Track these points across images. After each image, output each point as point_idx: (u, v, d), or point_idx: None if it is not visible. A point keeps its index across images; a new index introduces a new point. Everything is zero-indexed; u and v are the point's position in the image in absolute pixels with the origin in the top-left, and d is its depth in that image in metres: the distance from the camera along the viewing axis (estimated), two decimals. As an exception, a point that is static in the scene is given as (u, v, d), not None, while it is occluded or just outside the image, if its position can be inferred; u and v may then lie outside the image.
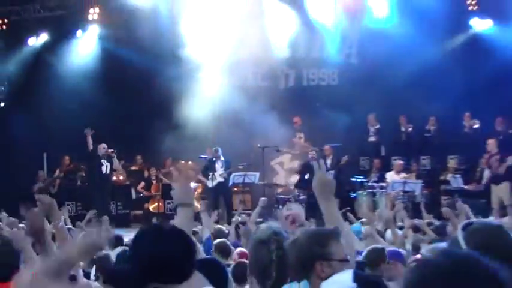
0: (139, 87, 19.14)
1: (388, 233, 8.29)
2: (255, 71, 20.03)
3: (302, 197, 17.00)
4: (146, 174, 19.59)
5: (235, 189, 18.47)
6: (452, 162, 17.53)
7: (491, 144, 16.31)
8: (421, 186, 16.53)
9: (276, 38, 19.18)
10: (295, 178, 18.16)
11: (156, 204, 18.78)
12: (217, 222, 14.16)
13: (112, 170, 17.51)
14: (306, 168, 16.74)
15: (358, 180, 17.79)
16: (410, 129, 18.57)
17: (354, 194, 17.12)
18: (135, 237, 2.98)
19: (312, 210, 15.17)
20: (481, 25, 18.73)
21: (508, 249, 3.31)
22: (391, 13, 18.71)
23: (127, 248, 8.06)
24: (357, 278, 3.06)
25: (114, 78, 19.22)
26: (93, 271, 6.78)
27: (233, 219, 11.03)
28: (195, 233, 8.05)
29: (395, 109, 18.39)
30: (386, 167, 17.81)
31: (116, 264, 6.43)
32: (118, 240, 9.11)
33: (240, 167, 17.84)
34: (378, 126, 18.81)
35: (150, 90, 18.82)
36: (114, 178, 18.53)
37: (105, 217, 10.92)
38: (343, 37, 19.45)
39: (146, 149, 19.62)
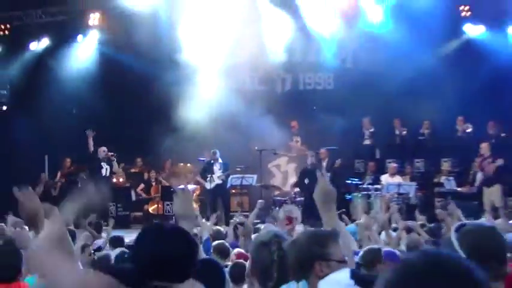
0: (138, 91, 19.15)
1: (383, 234, 8.32)
2: (252, 75, 20.06)
3: (298, 198, 17.05)
4: (146, 176, 19.60)
5: (233, 191, 18.47)
6: (445, 165, 17.54)
7: (484, 147, 16.36)
8: (415, 188, 16.56)
9: (273, 42, 19.18)
10: (292, 181, 18.20)
11: (156, 206, 18.79)
12: (215, 223, 14.18)
13: (112, 172, 17.63)
14: (306, 173, 16.82)
15: (354, 182, 17.82)
16: (404, 132, 18.60)
17: (349, 196, 17.14)
18: (137, 236, 2.99)
19: (309, 212, 15.25)
20: (473, 31, 18.77)
21: (500, 250, 3.33)
22: (386, 19, 18.75)
23: (125, 250, 8.09)
24: (354, 276, 3.08)
25: (114, 82, 19.24)
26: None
27: (231, 221, 11.03)
28: (194, 234, 8.06)
29: (389, 113, 18.42)
30: (381, 169, 17.82)
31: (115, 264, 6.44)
32: (119, 241, 9.13)
33: (238, 169, 17.87)
34: (372, 130, 18.84)
35: (149, 94, 18.82)
36: (115, 180, 18.55)
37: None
38: (339, 42, 19.47)
39: (146, 151, 19.64)
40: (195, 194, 18.42)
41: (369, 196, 16.75)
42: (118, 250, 8.31)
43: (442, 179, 17.05)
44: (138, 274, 2.85)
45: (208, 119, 17.70)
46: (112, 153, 17.47)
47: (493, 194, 15.73)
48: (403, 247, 7.75)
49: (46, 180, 18.98)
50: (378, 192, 16.60)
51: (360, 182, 17.72)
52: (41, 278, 3.40)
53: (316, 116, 18.63)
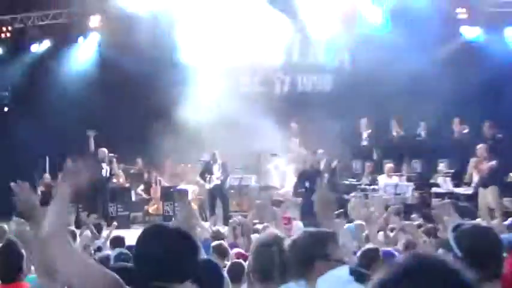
0: (138, 92, 19.14)
1: (380, 234, 8.32)
2: (251, 77, 20.07)
3: (296, 199, 17.08)
4: (146, 177, 19.62)
5: (232, 191, 18.46)
6: (442, 165, 17.56)
7: (481, 149, 16.35)
8: (412, 188, 16.57)
9: (272, 44, 19.20)
10: (291, 181, 18.20)
11: (155, 206, 18.79)
12: (214, 224, 14.19)
13: (111, 174, 17.70)
14: (306, 175, 16.89)
15: (351, 182, 17.84)
16: (401, 133, 18.61)
17: (347, 197, 17.14)
18: (139, 236, 2.99)
19: (308, 214, 15.25)
20: (470, 33, 18.78)
21: (497, 250, 3.34)
22: (384, 21, 18.75)
23: (124, 250, 8.10)
24: (353, 272, 3.11)
25: (115, 84, 19.24)
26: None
27: (230, 221, 11.04)
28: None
29: (387, 114, 18.44)
30: (379, 170, 17.84)
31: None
32: (119, 241, 9.13)
33: (237, 169, 17.88)
34: (370, 131, 18.87)
35: (149, 95, 18.83)
36: (115, 181, 18.56)
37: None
38: (337, 44, 19.48)
39: (146, 152, 19.64)
40: (194, 194, 18.46)
41: (366, 196, 16.75)
42: (116, 251, 8.32)
43: (439, 179, 17.06)
44: (138, 274, 2.86)
45: (208, 120, 17.69)
46: (112, 155, 17.53)
47: (488, 196, 15.74)
48: (400, 247, 7.76)
49: (47, 181, 18.94)
50: (375, 193, 16.61)
51: (357, 183, 17.75)
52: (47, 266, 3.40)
53: (314, 117, 18.62)
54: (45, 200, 16.61)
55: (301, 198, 16.72)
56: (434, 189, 16.81)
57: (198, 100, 18.01)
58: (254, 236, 8.26)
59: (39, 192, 18.03)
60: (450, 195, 16.11)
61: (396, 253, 6.66)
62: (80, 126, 17.97)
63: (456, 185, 16.69)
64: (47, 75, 19.72)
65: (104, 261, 6.71)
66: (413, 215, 13.11)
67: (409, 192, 16.42)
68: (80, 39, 20.08)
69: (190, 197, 18.08)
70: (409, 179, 17.33)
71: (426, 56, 17.97)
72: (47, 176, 18.57)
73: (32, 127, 18.56)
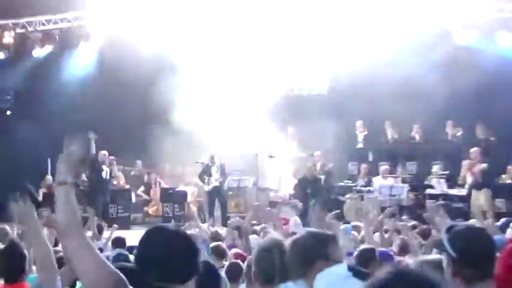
0: (138, 95, 19.13)
1: (376, 235, 8.33)
2: (249, 80, 20.05)
3: (293, 200, 17.10)
4: (146, 178, 19.63)
5: (230, 193, 18.47)
6: (436, 167, 17.58)
7: (475, 152, 16.38)
8: (407, 190, 16.58)
9: (269, 48, 19.21)
10: (288, 183, 18.23)
11: (155, 207, 18.81)
12: (213, 225, 14.17)
13: (111, 176, 17.76)
14: (306, 182, 16.97)
15: (347, 184, 17.87)
16: (396, 136, 18.64)
17: (343, 198, 17.16)
18: (142, 238, 3.00)
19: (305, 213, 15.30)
20: (464, 37, 18.77)
21: (490, 251, 3.35)
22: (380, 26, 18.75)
23: (122, 251, 8.10)
24: (351, 269, 3.13)
25: (115, 87, 19.22)
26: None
27: (229, 222, 11.04)
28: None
29: (382, 117, 18.47)
30: (374, 172, 17.86)
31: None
32: (121, 242, 9.13)
33: (235, 171, 17.90)
34: (365, 133, 18.89)
35: (148, 98, 18.82)
36: (115, 183, 18.57)
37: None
38: (333, 48, 19.48)
39: (145, 154, 19.66)
40: (193, 196, 18.49)
41: (362, 198, 16.79)
42: (116, 251, 8.32)
43: (433, 181, 17.07)
44: (139, 275, 2.86)
45: (206, 123, 17.72)
46: (112, 157, 17.59)
47: (481, 197, 15.77)
48: (395, 248, 7.77)
49: (49, 182, 18.93)
50: (370, 194, 16.63)
51: (353, 184, 17.77)
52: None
53: (311, 120, 18.63)
54: (47, 201, 16.65)
55: (302, 204, 16.79)
56: (428, 191, 16.82)
57: (196, 103, 18.03)
58: (252, 237, 8.26)
59: (41, 194, 18.10)
60: (444, 196, 16.14)
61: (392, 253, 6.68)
62: (81, 129, 17.95)
63: (450, 187, 16.71)
64: (48, 79, 19.74)
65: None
66: (404, 217, 13.09)
67: (404, 193, 16.44)
68: (81, 44, 20.07)
69: (189, 198, 18.14)
70: (404, 181, 17.33)
71: (420, 59, 17.97)
72: (49, 177, 18.53)
73: (34, 130, 18.56)
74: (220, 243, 7.87)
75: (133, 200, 19.00)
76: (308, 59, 20.06)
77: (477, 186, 15.94)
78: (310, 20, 18.97)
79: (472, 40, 18.59)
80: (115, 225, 11.19)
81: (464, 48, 18.40)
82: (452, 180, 16.98)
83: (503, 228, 9.00)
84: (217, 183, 17.70)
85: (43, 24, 19.64)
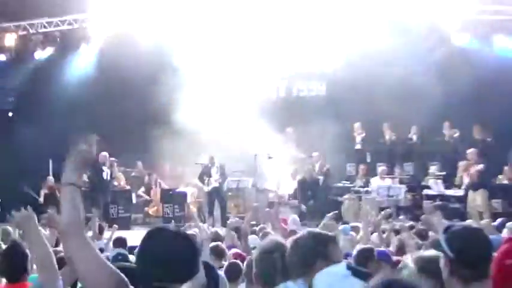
0: (139, 97, 19.14)
1: (374, 235, 8.33)
2: (248, 82, 20.06)
3: (292, 200, 17.12)
4: (146, 179, 19.63)
5: (230, 193, 18.47)
6: (433, 168, 17.58)
7: (471, 153, 16.40)
8: (404, 191, 16.59)
9: (268, 50, 19.22)
10: (287, 184, 18.22)
11: (155, 208, 18.80)
12: (212, 225, 14.17)
13: (112, 177, 17.77)
14: (306, 184, 16.99)
15: (345, 185, 17.87)
16: (394, 137, 18.64)
17: (341, 199, 17.17)
18: (143, 238, 3.00)
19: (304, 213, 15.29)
20: (460, 40, 18.79)
21: (487, 251, 3.35)
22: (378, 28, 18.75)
23: (121, 251, 8.09)
24: (350, 268, 3.13)
25: (116, 89, 19.23)
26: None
27: (228, 222, 11.04)
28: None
29: (380, 118, 18.47)
30: (372, 172, 17.87)
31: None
32: (122, 242, 9.12)
33: (235, 172, 17.91)
34: (363, 135, 18.90)
35: (149, 99, 18.84)
36: (116, 183, 18.57)
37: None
38: (332, 50, 19.49)
39: (146, 155, 19.65)
40: (193, 197, 18.48)
41: (360, 198, 16.80)
42: (115, 251, 8.31)
43: (430, 182, 17.08)
44: (140, 275, 2.86)
45: (206, 124, 17.73)
46: (113, 158, 17.61)
47: (477, 198, 15.79)
48: (392, 248, 7.77)
49: (50, 183, 18.93)
50: (368, 195, 16.63)
51: (351, 185, 17.77)
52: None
53: (309, 121, 18.64)
54: (49, 201, 16.63)
55: (296, 201, 16.80)
56: (425, 191, 16.83)
57: (196, 105, 18.04)
58: (251, 237, 8.26)
59: (42, 195, 18.10)
60: (441, 197, 16.17)
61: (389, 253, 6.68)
62: (82, 130, 17.94)
63: (447, 187, 16.72)
64: (50, 81, 19.76)
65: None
66: (401, 217, 13.10)
67: (402, 194, 16.46)
68: (82, 46, 20.09)
69: (189, 199, 18.14)
70: (401, 182, 17.34)
71: (417, 61, 17.99)
72: (50, 178, 18.54)
73: (36, 131, 18.56)
74: (219, 243, 7.86)
75: (134, 200, 18.99)
76: (307, 60, 20.11)
77: (474, 186, 15.97)
78: (309, 22, 18.96)
79: (469, 42, 18.61)
80: (115, 226, 11.18)
81: (461, 50, 18.41)
82: (449, 181, 16.99)
83: (499, 229, 9.01)
84: (216, 184, 17.71)
85: (44, 26, 19.66)
